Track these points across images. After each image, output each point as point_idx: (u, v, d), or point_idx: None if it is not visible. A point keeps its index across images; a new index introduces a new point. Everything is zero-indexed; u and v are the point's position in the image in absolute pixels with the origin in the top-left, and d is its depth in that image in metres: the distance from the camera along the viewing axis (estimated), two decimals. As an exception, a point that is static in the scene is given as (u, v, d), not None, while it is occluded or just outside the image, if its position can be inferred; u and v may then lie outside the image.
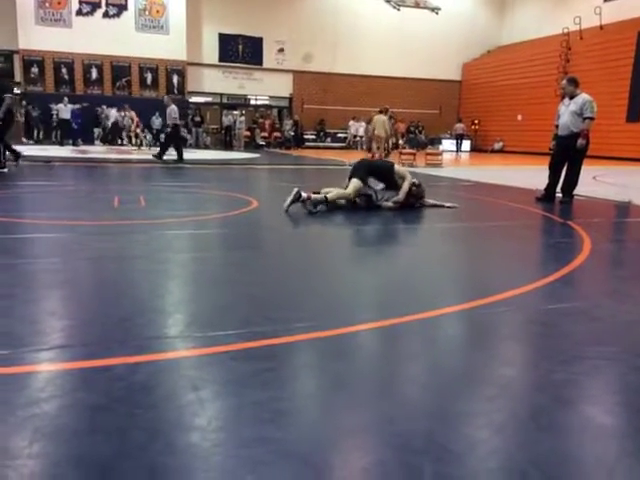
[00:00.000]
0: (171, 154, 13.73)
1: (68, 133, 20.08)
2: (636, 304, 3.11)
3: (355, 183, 6.18)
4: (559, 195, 7.55)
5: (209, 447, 1.59)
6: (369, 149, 18.71)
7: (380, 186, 6.37)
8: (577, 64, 21.85)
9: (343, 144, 25.97)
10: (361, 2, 25.00)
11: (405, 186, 6.36)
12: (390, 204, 6.32)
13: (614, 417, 1.89)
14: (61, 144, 19.75)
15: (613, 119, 19.31)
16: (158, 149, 14.40)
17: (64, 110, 19.52)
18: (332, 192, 6.14)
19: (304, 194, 5.95)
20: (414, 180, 6.56)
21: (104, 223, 5.20)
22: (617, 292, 3.43)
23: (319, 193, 6.12)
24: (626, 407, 1.95)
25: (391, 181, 6.41)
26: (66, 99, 19.99)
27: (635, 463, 1.58)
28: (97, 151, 17.69)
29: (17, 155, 10.79)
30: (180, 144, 13.96)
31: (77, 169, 11.89)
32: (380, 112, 15.70)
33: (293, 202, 5.93)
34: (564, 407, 1.89)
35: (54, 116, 20.91)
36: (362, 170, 6.37)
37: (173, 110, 13.14)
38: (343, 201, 6.25)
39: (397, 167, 6.58)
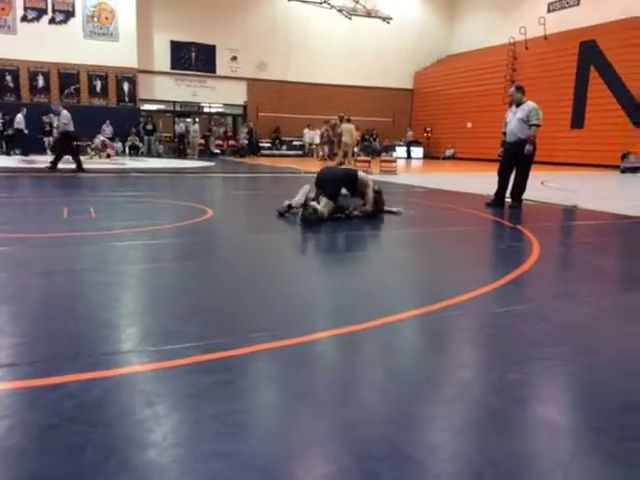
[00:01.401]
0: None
1: (20, 143, 19.53)
2: (584, 304, 3.22)
3: (327, 203, 6.09)
4: (508, 200, 7.77)
5: (166, 463, 1.55)
6: (334, 155, 18.86)
7: (344, 192, 6.41)
8: (523, 73, 22.61)
9: (299, 152, 26.04)
10: (313, 11, 25.16)
11: (370, 195, 6.40)
12: (358, 213, 6.36)
13: (568, 416, 1.94)
14: (8, 154, 19.14)
15: (558, 126, 20.05)
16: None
17: (21, 121, 19.07)
18: (318, 206, 6.06)
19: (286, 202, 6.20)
20: (375, 187, 6.62)
21: (53, 235, 5.04)
22: (566, 293, 3.55)
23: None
24: (579, 406, 2.01)
25: (355, 189, 6.43)
26: (25, 110, 19.43)
27: (589, 461, 1.63)
28: (47, 161, 17.14)
29: None
30: (77, 152, 13.32)
31: (24, 179, 11.50)
32: (347, 120, 16.04)
33: (286, 211, 6.11)
34: (519, 408, 1.94)
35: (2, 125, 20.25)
36: (331, 184, 6.29)
37: (64, 116, 12.59)
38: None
39: (360, 175, 6.57)
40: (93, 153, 20.01)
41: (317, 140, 23.45)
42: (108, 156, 19.42)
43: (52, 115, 20.46)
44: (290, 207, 6.31)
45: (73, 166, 12.88)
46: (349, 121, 16.17)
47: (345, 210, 6.35)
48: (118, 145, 21.40)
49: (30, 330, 2.60)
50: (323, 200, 6.11)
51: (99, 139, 20.56)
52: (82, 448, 1.60)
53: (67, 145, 12.93)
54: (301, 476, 1.55)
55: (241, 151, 24.22)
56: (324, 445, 1.69)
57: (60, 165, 12.76)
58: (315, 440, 1.72)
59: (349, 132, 15.81)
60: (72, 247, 4.57)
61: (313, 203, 6.09)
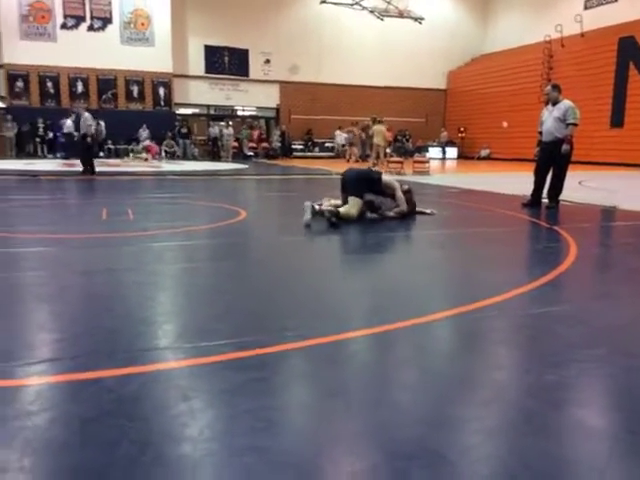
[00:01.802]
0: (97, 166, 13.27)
1: (66, 147, 20.20)
2: (623, 306, 3.15)
3: (357, 203, 6.08)
4: (545, 201, 7.63)
5: (200, 457, 1.58)
6: (366, 157, 18.84)
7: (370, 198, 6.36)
8: (560, 71, 22.15)
9: (331, 153, 26.07)
10: (345, 13, 25.17)
11: (400, 195, 6.37)
12: (392, 214, 6.33)
13: (605, 419, 1.90)
14: (53, 156, 19.99)
15: (597, 125, 19.57)
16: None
17: (70, 125, 19.67)
18: (341, 208, 6.06)
19: (316, 206, 5.94)
20: (404, 187, 6.59)
21: (92, 236, 5.17)
22: (604, 295, 3.46)
23: (321, 205, 6.07)
24: (617, 409, 1.97)
25: (380, 192, 6.38)
26: (73, 115, 19.93)
27: (626, 465, 1.60)
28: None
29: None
30: (92, 154, 13.44)
31: (64, 182, 11.82)
32: (379, 122, 16.04)
33: (313, 216, 5.85)
34: (556, 410, 1.91)
35: (40, 129, 20.97)
36: (354, 184, 6.28)
37: (87, 118, 12.72)
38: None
39: (384, 178, 6.53)
40: (133, 156, 20.47)
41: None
42: (145, 159, 19.83)
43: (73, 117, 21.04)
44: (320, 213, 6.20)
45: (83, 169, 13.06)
46: (380, 122, 16.17)
47: (378, 210, 6.33)
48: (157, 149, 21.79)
49: (71, 327, 2.68)
50: (351, 200, 6.11)
51: (144, 144, 21.03)
52: (119, 442, 1.64)
53: (87, 146, 13.10)
54: (332, 473, 1.56)
55: (273, 153, 24.38)
56: (356, 443, 1.69)
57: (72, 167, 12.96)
58: (347, 438, 1.72)
59: (380, 133, 15.83)
60: (110, 247, 4.68)
61: (331, 202, 6.11)
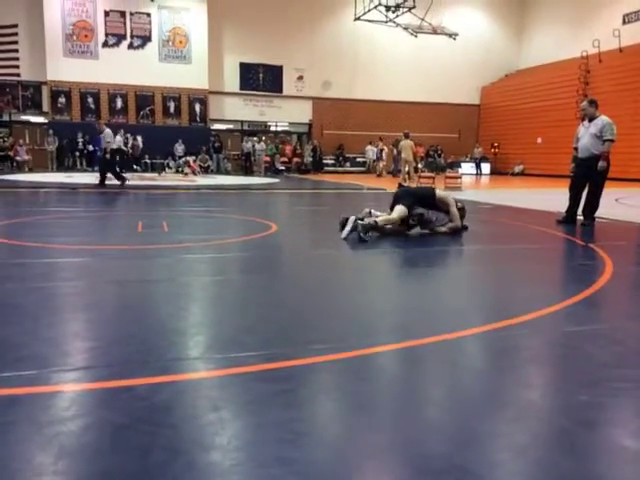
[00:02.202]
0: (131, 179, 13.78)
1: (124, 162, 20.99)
2: (660, 326, 3.06)
3: (400, 209, 6.09)
4: (580, 218, 7.49)
5: (229, 466, 1.60)
6: (398, 172, 18.83)
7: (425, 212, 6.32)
8: (596, 87, 21.79)
9: (362, 168, 26.11)
10: (379, 30, 25.30)
11: (455, 211, 6.35)
12: (445, 229, 6.30)
13: (638, 439, 1.85)
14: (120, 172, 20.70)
15: (634, 141, 19.13)
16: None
17: (119, 141, 20.44)
18: (380, 217, 6.08)
19: (356, 220, 5.89)
20: (459, 204, 6.58)
21: (128, 247, 5.30)
22: (639, 314, 3.38)
23: (362, 219, 5.94)
24: (651, 430, 1.92)
25: (433, 207, 6.37)
26: (122, 130, 20.83)
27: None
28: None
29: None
30: (116, 169, 13.65)
31: (101, 195, 12.13)
32: (406, 137, 16.05)
33: (352, 231, 5.81)
34: (587, 430, 1.87)
35: (80, 144, 21.68)
36: (406, 198, 6.29)
37: (107, 134, 13.00)
38: (390, 226, 6.15)
39: (438, 192, 6.54)
40: (173, 170, 20.95)
41: (383, 156, 23.44)
42: (185, 174, 20.26)
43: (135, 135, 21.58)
44: (375, 225, 6.10)
45: (119, 182, 13.37)
46: (407, 137, 16.15)
47: (429, 224, 6.29)
48: (196, 165, 22.18)
49: (105, 336, 2.75)
50: (396, 209, 6.09)
51: (185, 159, 21.50)
52: (150, 448, 1.68)
53: (111, 162, 13.43)
54: (360, 486, 1.56)
55: (305, 167, 24.55)
56: (383, 457, 1.69)
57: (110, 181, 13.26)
58: (374, 452, 1.72)
59: (408, 148, 15.83)
60: (145, 259, 4.78)
61: (363, 222, 5.94)
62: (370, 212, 6.25)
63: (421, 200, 6.32)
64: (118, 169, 13.90)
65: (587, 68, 22.93)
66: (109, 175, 13.36)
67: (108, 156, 13.17)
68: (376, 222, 5.95)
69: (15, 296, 3.44)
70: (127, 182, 13.52)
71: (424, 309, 3.42)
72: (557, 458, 1.68)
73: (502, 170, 26.79)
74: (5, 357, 2.39)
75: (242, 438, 1.77)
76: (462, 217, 6.55)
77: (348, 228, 5.83)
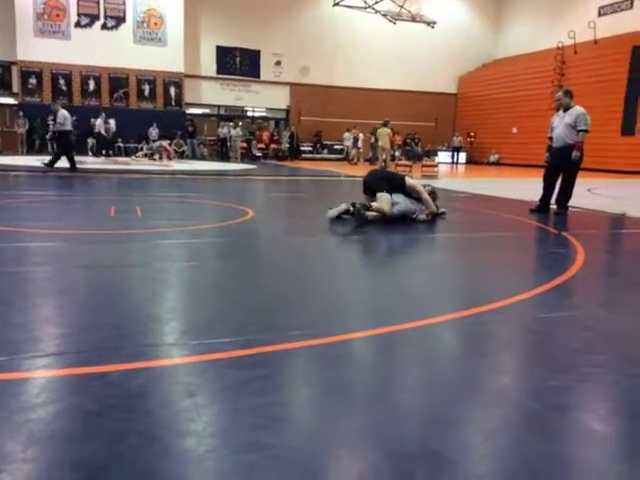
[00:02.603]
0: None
1: (103, 145, 21.13)
2: (628, 313, 3.13)
3: (386, 198, 6.08)
4: (554, 207, 7.60)
5: (204, 452, 1.59)
6: (375, 159, 18.90)
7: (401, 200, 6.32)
8: (571, 77, 22.08)
9: (340, 155, 26.09)
10: (358, 16, 25.23)
11: (426, 197, 6.37)
12: (424, 217, 6.32)
13: (606, 423, 1.90)
14: (96, 155, 20.56)
15: (607, 132, 19.48)
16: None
17: (100, 124, 20.56)
18: (373, 204, 6.08)
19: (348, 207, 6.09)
20: (427, 188, 6.61)
21: (100, 232, 5.21)
22: (610, 301, 3.45)
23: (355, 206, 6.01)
24: (618, 413, 1.96)
25: (404, 194, 6.37)
26: (103, 114, 20.82)
27: (627, 468, 1.60)
28: (95, 162, 17.75)
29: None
30: (71, 151, 13.17)
31: (73, 179, 11.90)
32: (384, 125, 16.05)
33: (344, 214, 6.05)
34: (557, 413, 1.90)
35: (51, 126, 21.17)
36: (381, 183, 6.29)
37: (60, 116, 12.60)
38: (374, 214, 6.10)
39: (408, 180, 6.55)
40: (143, 153, 20.62)
41: (359, 144, 23.42)
42: (157, 159, 19.98)
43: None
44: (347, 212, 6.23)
45: (71, 165, 13.01)
46: (385, 125, 16.18)
47: (411, 215, 6.30)
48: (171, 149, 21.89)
49: (76, 322, 2.70)
50: (380, 197, 6.10)
51: (159, 144, 21.18)
52: (123, 435, 1.66)
53: (64, 144, 13.06)
54: (335, 470, 1.57)
55: (282, 154, 24.41)
56: (357, 442, 1.70)
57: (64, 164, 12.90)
58: (349, 436, 1.73)
59: (385, 136, 15.86)
60: (118, 244, 4.71)
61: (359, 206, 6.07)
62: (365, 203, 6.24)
63: (392, 185, 6.34)
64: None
65: (563, 59, 23.21)
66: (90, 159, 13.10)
67: (58, 137, 12.89)
68: (370, 206, 6.00)
69: (-16, 281, 3.36)
70: (77, 168, 13.14)
71: (399, 296, 3.45)
72: (528, 441, 1.71)
73: (478, 159, 27.05)
74: (-27, 343, 2.33)
75: (217, 424, 1.76)
76: (434, 200, 6.59)
77: (341, 208, 6.02)
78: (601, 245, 5.80)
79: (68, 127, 12.89)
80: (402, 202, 6.22)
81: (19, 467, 1.48)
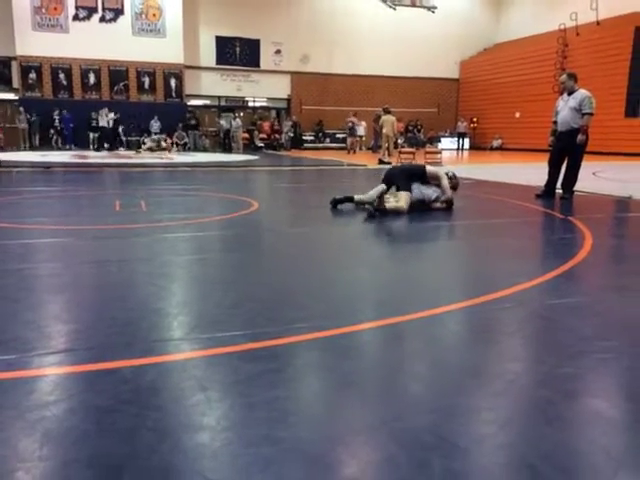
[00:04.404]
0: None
1: (105, 139, 21.17)
2: (638, 298, 3.11)
3: (406, 196, 6.09)
4: (559, 191, 7.55)
5: (218, 447, 1.59)
6: (378, 147, 18.80)
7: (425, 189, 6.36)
8: (574, 60, 21.86)
9: (343, 144, 25.97)
10: (357, 2, 25.01)
11: (446, 183, 6.37)
12: (439, 205, 6.33)
13: (621, 410, 1.89)
14: (98, 150, 20.57)
15: (611, 114, 19.32)
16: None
17: (104, 119, 20.70)
18: (389, 203, 6.09)
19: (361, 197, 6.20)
20: (449, 173, 6.62)
21: (105, 227, 5.21)
22: (619, 286, 3.43)
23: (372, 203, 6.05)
24: (632, 400, 1.95)
25: (425, 183, 6.41)
26: (106, 108, 20.89)
27: (643, 455, 1.59)
28: (96, 156, 17.74)
29: None
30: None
31: (77, 174, 11.89)
32: (387, 112, 15.94)
33: (342, 202, 6.25)
34: (571, 401, 1.90)
35: (56, 121, 21.28)
36: (401, 177, 6.30)
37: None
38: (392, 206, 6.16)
39: (428, 169, 6.57)
40: (147, 146, 20.62)
41: (361, 132, 23.26)
42: (164, 149, 20.03)
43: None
44: (349, 200, 6.35)
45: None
46: (389, 112, 16.05)
47: (427, 202, 6.31)
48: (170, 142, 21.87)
49: (86, 318, 2.70)
50: (400, 195, 6.11)
51: (162, 136, 21.21)
52: (137, 431, 1.66)
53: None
54: (350, 462, 1.57)
55: (283, 144, 24.27)
56: (371, 433, 1.69)
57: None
58: (363, 428, 1.72)
59: (389, 123, 15.74)
60: (124, 239, 4.71)
61: (370, 195, 6.17)
62: (380, 194, 6.21)
63: (413, 178, 6.34)
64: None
65: (565, 41, 22.96)
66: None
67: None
68: (385, 209, 5.99)
69: (-8, 279, 3.36)
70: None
71: (408, 285, 3.44)
72: (541, 430, 1.70)
73: (481, 145, 26.88)
74: (-16, 341, 2.33)
75: (230, 418, 1.76)
76: (457, 185, 6.67)
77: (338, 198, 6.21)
78: (608, 229, 5.76)
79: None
80: (416, 190, 6.26)
81: (35, 465, 1.49)
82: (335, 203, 6.35)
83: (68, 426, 1.70)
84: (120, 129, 21.87)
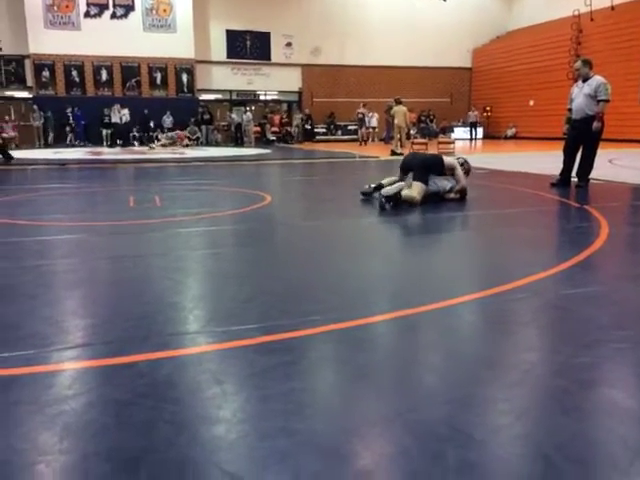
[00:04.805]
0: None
1: (119, 135, 21.50)
2: (657, 286, 3.08)
3: (420, 187, 6.01)
4: (575, 180, 7.47)
5: (235, 439, 1.61)
6: (390, 138, 18.73)
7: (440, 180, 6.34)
8: (589, 46, 21.54)
9: (355, 136, 25.87)
10: (368, -8, 24.85)
11: (460, 173, 6.33)
12: (453, 195, 6.29)
13: (638, 399, 1.87)
14: (111, 146, 20.83)
15: (627, 101, 19.02)
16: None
17: (116, 115, 21.03)
18: (404, 191, 5.98)
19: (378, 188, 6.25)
20: (460, 160, 6.61)
21: (120, 223, 5.25)
22: (636, 275, 3.39)
23: (381, 187, 6.17)
24: (650, 389, 1.93)
25: (442, 174, 6.37)
26: (118, 105, 21.17)
27: (661, 445, 1.57)
28: (110, 152, 17.87)
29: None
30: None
31: (91, 170, 11.99)
32: (399, 102, 15.85)
33: (369, 193, 6.37)
34: (588, 391, 1.89)
35: (70, 118, 21.47)
36: (419, 167, 6.22)
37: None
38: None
39: (446, 161, 6.48)
40: (160, 143, 20.74)
41: (374, 123, 23.14)
42: (173, 144, 20.14)
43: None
44: (379, 187, 6.35)
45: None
46: (400, 103, 15.96)
47: (441, 193, 6.27)
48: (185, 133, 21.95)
49: (103, 312, 2.73)
50: (415, 185, 6.05)
51: (175, 132, 21.33)
52: (154, 423, 1.68)
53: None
54: (366, 454, 1.57)
55: (295, 137, 24.22)
56: (386, 425, 1.70)
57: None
58: (378, 420, 1.73)
59: (401, 114, 15.66)
60: (139, 234, 4.75)
61: (389, 182, 6.30)
62: (396, 184, 6.19)
63: (431, 170, 6.28)
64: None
65: (579, 27, 22.63)
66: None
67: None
68: (400, 195, 5.88)
69: (10, 275, 3.41)
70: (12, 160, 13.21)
71: (422, 277, 3.43)
72: (558, 420, 1.69)
73: (495, 134, 26.64)
74: (3, 337, 2.37)
75: (246, 411, 1.77)
76: (469, 170, 6.72)
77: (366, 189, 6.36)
78: (625, 218, 5.69)
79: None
80: (432, 184, 6.22)
81: (55, 458, 1.51)
82: (368, 194, 6.45)
83: (87, 420, 1.72)
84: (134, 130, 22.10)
